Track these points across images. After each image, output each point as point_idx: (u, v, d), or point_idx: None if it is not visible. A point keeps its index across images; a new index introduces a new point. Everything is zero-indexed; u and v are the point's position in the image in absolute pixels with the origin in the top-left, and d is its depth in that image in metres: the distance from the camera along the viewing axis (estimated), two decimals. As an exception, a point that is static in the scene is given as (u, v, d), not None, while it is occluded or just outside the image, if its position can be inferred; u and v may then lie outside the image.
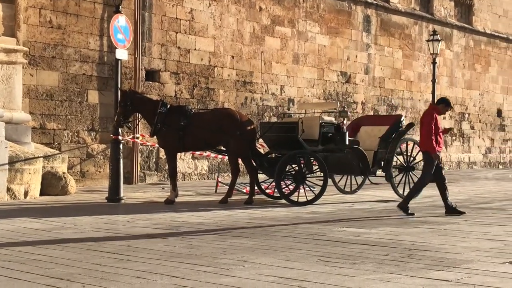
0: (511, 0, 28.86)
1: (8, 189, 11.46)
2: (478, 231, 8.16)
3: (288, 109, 19.03)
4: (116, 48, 11.92)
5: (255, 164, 11.73)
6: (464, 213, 9.87)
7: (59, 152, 13.66)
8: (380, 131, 12.45)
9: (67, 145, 14.50)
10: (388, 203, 11.84)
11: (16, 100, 12.96)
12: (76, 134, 14.77)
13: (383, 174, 12.46)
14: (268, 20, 18.84)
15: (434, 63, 20.42)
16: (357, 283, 5.10)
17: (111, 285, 5.04)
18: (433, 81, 20.34)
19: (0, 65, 12.63)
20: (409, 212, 9.76)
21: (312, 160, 12.01)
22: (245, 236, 7.61)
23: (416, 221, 9.12)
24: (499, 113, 28.14)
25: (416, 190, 9.96)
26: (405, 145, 13.09)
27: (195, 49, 17.08)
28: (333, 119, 12.59)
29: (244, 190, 12.78)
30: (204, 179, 17.18)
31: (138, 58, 15.65)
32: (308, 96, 19.94)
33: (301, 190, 11.47)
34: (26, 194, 11.76)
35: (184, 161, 16.69)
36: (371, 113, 21.73)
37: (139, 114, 12.17)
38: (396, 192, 12.36)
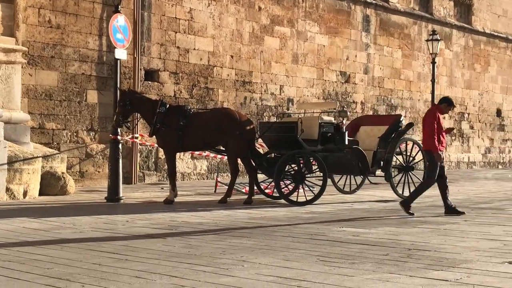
0: (511, 0, 28.88)
1: (7, 189, 11.46)
2: (477, 231, 8.16)
3: (288, 109, 19.02)
4: (115, 47, 11.92)
5: (254, 164, 11.73)
6: (463, 213, 9.87)
7: (58, 152, 13.65)
8: (380, 131, 12.45)
9: (66, 145, 14.50)
10: (388, 203, 11.84)
11: (15, 100, 12.95)
12: (75, 134, 14.77)
13: (383, 174, 12.45)
14: (268, 20, 18.84)
15: (433, 63, 20.43)
16: (356, 283, 5.10)
17: (110, 284, 5.04)
18: (433, 81, 20.35)
19: (-1, 65, 12.64)
20: (409, 211, 9.77)
21: (311, 160, 12.00)
22: (244, 236, 7.61)
23: (415, 221, 9.13)
24: (499, 113, 28.15)
25: (421, 189, 9.96)
26: (405, 145, 13.08)
27: (194, 49, 17.08)
28: (332, 119, 12.59)
29: (244, 190, 12.78)
30: (204, 179, 17.17)
31: (137, 57, 15.65)
32: (308, 96, 19.94)
33: (301, 190, 11.47)
34: (25, 194, 11.76)
35: (183, 161, 16.68)
36: (371, 113, 21.74)
37: (138, 114, 12.18)
38: (396, 192, 12.36)
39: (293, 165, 11.95)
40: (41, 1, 14.16)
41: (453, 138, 25.46)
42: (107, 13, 14.76)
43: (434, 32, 20.70)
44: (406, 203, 9.91)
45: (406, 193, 12.26)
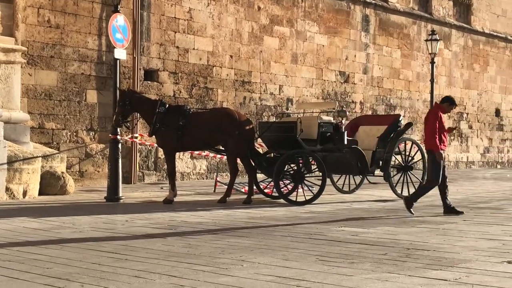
0: (510, 0, 28.89)
1: (7, 189, 11.46)
2: (476, 230, 8.17)
3: (287, 109, 19.04)
4: (114, 47, 11.92)
5: (253, 164, 11.74)
6: (462, 213, 9.88)
7: (57, 151, 13.65)
8: (379, 130, 12.46)
9: (66, 145, 14.50)
10: (386, 202, 11.86)
11: (15, 100, 12.96)
12: (74, 133, 14.77)
13: (382, 173, 12.47)
14: (267, 20, 18.85)
15: (432, 62, 20.45)
16: (355, 283, 5.11)
17: (109, 284, 5.05)
18: (432, 80, 20.37)
19: (-2, 65, 12.65)
20: (411, 210, 9.78)
21: (310, 160, 12.02)
22: (243, 235, 7.62)
23: (414, 221, 9.14)
24: (498, 112, 28.16)
25: (425, 188, 9.96)
26: (404, 144, 13.10)
27: (194, 49, 17.08)
28: (331, 118, 12.60)
29: (243, 190, 12.79)
30: (203, 178, 17.18)
31: (136, 57, 15.65)
32: (307, 95, 19.95)
33: (300, 190, 11.48)
34: (25, 193, 11.76)
35: (183, 161, 16.69)
36: (370, 112, 21.75)
37: (138, 114, 12.19)
38: (395, 191, 12.37)
39: (292, 165, 11.97)
40: (41, 1, 14.16)
41: (452, 138, 25.47)
42: (107, 13, 14.76)
43: (433, 32, 20.72)
44: (409, 200, 9.92)
45: (405, 193, 12.29)
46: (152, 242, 7.06)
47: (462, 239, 7.46)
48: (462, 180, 18.32)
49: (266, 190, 12.36)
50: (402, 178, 12.57)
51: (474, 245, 6.99)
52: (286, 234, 7.76)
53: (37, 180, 12.16)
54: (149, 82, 16.14)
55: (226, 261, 5.98)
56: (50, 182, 12.46)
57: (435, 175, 9.77)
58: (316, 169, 12.03)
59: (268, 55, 18.85)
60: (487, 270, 5.62)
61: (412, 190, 12.20)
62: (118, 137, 11.69)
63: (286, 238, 7.41)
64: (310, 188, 12.03)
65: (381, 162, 12.27)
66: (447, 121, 24.55)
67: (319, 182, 11.52)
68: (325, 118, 12.28)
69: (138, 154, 15.75)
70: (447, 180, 9.95)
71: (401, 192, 12.36)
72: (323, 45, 20.51)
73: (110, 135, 11.90)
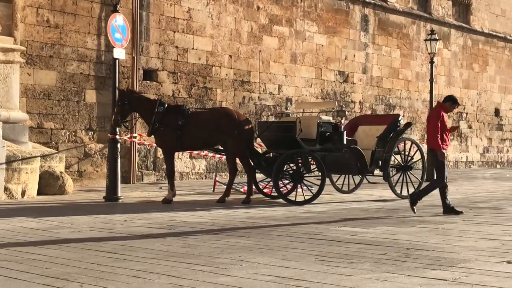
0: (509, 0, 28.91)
1: (6, 189, 11.45)
2: (475, 230, 8.17)
3: (286, 109, 19.03)
4: (113, 47, 11.91)
5: (253, 164, 11.73)
6: (461, 212, 9.88)
7: (56, 151, 13.64)
8: (378, 130, 12.46)
9: (65, 145, 14.49)
10: (386, 202, 11.85)
11: (14, 100, 12.95)
12: (73, 133, 14.76)
13: (381, 173, 12.46)
14: (266, 20, 18.84)
15: (431, 62, 20.41)
16: (354, 283, 5.10)
17: (108, 284, 5.04)
18: (431, 80, 20.32)
19: (-3, 65, 12.63)
20: (414, 208, 9.78)
21: (310, 160, 12.01)
22: (242, 235, 7.61)
23: (413, 221, 9.13)
24: (497, 112, 28.16)
25: (431, 187, 9.95)
26: (403, 144, 13.09)
27: (193, 49, 17.07)
28: (331, 118, 12.60)
29: (242, 190, 12.78)
30: (202, 178, 17.17)
31: (135, 57, 15.63)
32: (306, 95, 19.94)
33: (299, 190, 11.47)
34: (23, 193, 11.75)
35: (182, 161, 16.68)
36: (369, 112, 21.74)
37: (137, 114, 12.17)
38: (394, 191, 12.37)
39: (291, 165, 11.96)
40: (40, 0, 14.15)
41: (452, 137, 25.43)
42: (106, 13, 14.75)
43: (432, 32, 20.69)
44: (415, 197, 9.91)
45: (405, 193, 12.30)
46: (151, 242, 7.05)
47: (461, 239, 7.45)
48: (461, 180, 18.32)
49: (265, 190, 12.34)
50: (401, 178, 12.56)
51: (473, 245, 6.99)
52: (285, 234, 7.75)
53: (36, 180, 12.15)
54: (148, 81, 16.13)
55: (225, 261, 5.97)
56: (48, 182, 12.45)
57: (440, 174, 9.78)
58: (315, 169, 12.03)
59: (267, 54, 18.84)
60: (486, 270, 5.62)
61: (411, 190, 12.21)
62: (117, 136, 11.68)
63: (285, 238, 7.40)
64: (309, 188, 12.02)
65: (380, 162, 12.27)
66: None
67: (318, 182, 11.51)
68: (324, 118, 12.27)
69: (137, 154, 15.73)
70: (447, 179, 9.95)
71: (401, 192, 12.37)
72: (322, 45, 20.51)
73: (109, 134, 11.89)
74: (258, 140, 12.91)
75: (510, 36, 28.87)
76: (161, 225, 8.52)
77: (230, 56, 17.90)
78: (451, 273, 5.46)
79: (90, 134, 15.02)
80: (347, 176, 13.30)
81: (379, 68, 22.52)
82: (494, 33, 27.83)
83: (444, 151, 9.76)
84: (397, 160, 12.82)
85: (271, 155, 12.11)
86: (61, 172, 12.80)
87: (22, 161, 11.67)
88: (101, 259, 6.02)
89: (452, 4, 26.10)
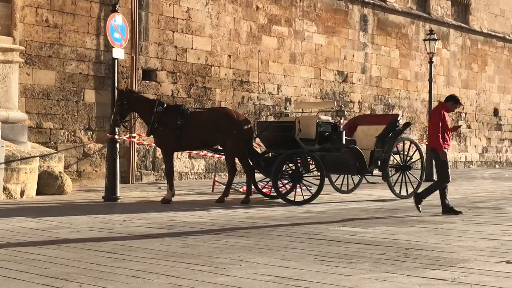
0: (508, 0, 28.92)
1: (5, 189, 11.44)
2: (474, 230, 8.17)
3: (285, 109, 19.03)
4: (112, 47, 11.91)
5: (252, 164, 11.73)
6: (461, 212, 9.88)
7: (55, 151, 13.63)
8: (377, 130, 12.46)
9: (64, 145, 14.48)
10: (385, 202, 11.86)
11: (13, 99, 12.94)
12: (72, 133, 14.75)
13: (380, 173, 12.47)
14: (265, 19, 18.84)
15: (430, 62, 20.42)
16: (354, 282, 5.10)
17: (107, 284, 5.04)
18: (430, 80, 20.33)
19: (-4, 64, 12.62)
20: (418, 206, 9.80)
21: (309, 160, 12.01)
22: (242, 235, 7.61)
23: (412, 220, 9.13)
24: (496, 112, 28.18)
25: (435, 187, 9.96)
26: (402, 144, 13.10)
27: (192, 48, 17.07)
28: (330, 118, 12.60)
29: (241, 190, 12.77)
30: (201, 178, 17.17)
31: (134, 57, 15.63)
32: (305, 95, 19.95)
33: (298, 190, 11.47)
34: (22, 193, 11.74)
35: (181, 161, 16.68)
36: (368, 112, 21.75)
37: (136, 114, 12.17)
38: (393, 191, 12.37)
39: (290, 165, 11.96)
40: (39, 0, 14.14)
41: (451, 137, 25.46)
42: (105, 13, 14.74)
43: (431, 32, 20.70)
44: (419, 196, 9.92)
45: (404, 193, 12.31)
46: (150, 242, 7.05)
47: (460, 239, 7.45)
48: (460, 180, 18.32)
49: (264, 190, 12.35)
50: (400, 178, 12.57)
51: (472, 245, 6.99)
52: (284, 234, 7.75)
53: (35, 180, 12.14)
54: (147, 81, 16.13)
55: (225, 261, 5.97)
56: (47, 182, 12.45)
57: (442, 174, 9.79)
58: (315, 169, 12.03)
59: (266, 54, 18.84)
60: (485, 270, 5.62)
61: (410, 190, 12.22)
62: (116, 136, 11.67)
63: (284, 238, 7.40)
64: (308, 187, 12.02)
65: (379, 162, 12.27)
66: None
67: (317, 182, 11.50)
68: (324, 117, 12.27)
69: (136, 154, 15.73)
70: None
71: (400, 192, 12.37)
72: (321, 45, 20.51)
73: (108, 134, 11.88)
74: (257, 140, 12.91)
75: (509, 36, 28.89)
76: (160, 225, 8.52)
77: (229, 56, 17.90)
78: (450, 273, 5.46)
79: (89, 134, 15.01)
80: (346, 176, 13.31)
81: (378, 68, 22.53)
82: (493, 33, 27.84)
83: (445, 150, 9.77)
84: (396, 160, 12.83)
85: (270, 155, 12.12)
86: (60, 172, 12.79)
87: (21, 161, 11.66)
88: (100, 259, 6.01)
89: (451, 4, 26.11)
